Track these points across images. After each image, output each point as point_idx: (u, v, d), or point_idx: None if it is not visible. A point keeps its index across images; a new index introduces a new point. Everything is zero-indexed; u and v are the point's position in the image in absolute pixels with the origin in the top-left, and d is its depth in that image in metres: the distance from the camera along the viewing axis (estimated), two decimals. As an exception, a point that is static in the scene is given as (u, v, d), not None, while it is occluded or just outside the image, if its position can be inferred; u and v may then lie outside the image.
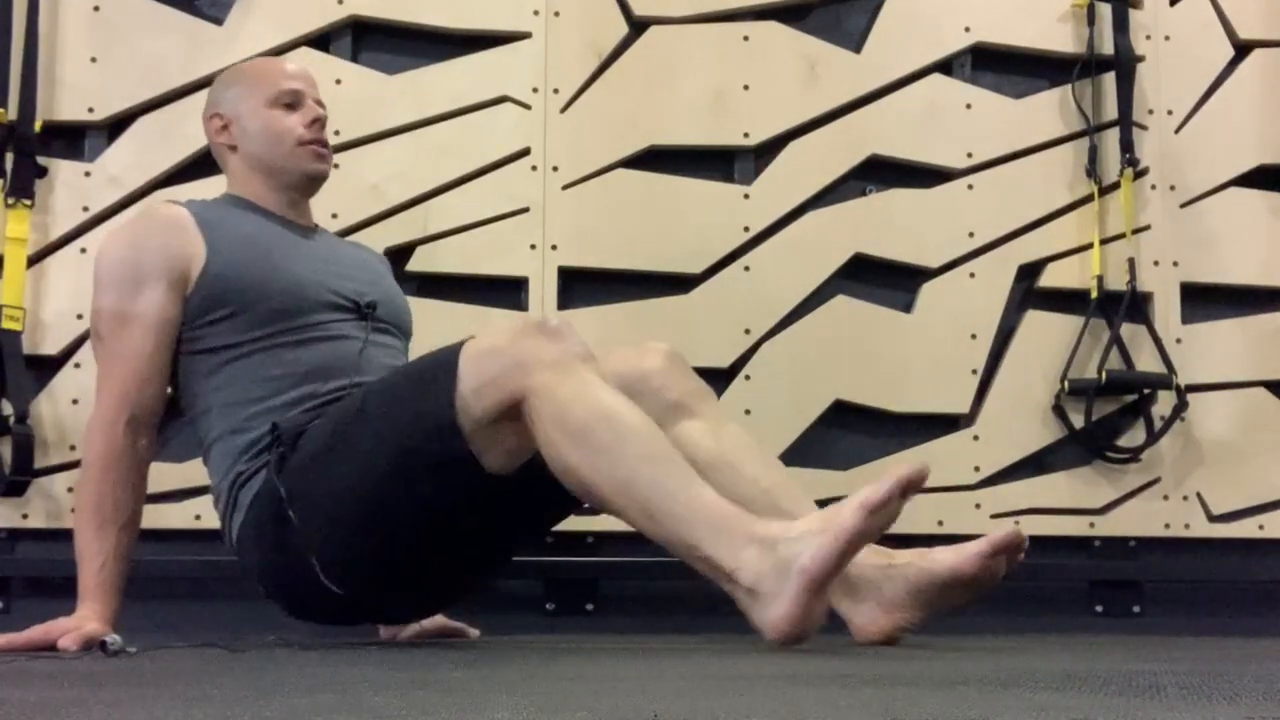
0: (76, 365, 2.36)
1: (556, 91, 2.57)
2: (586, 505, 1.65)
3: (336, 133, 2.47)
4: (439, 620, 2.04)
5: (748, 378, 2.52)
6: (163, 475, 2.35)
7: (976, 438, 2.60)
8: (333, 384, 1.79)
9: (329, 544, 1.63)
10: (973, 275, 2.66)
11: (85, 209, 2.40)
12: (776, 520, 1.46)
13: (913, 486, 1.40)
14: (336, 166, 2.46)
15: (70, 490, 2.32)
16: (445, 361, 1.60)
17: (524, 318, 1.61)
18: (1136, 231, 2.71)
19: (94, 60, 2.44)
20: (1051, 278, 2.69)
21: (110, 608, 1.70)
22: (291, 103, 1.95)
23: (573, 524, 2.02)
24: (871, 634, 1.63)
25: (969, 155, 2.69)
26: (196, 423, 1.86)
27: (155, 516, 2.33)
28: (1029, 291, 2.70)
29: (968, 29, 2.73)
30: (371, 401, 1.67)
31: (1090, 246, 2.68)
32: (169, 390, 1.84)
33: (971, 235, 2.67)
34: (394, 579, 1.72)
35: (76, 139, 2.44)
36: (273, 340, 1.79)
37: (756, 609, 1.41)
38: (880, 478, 1.40)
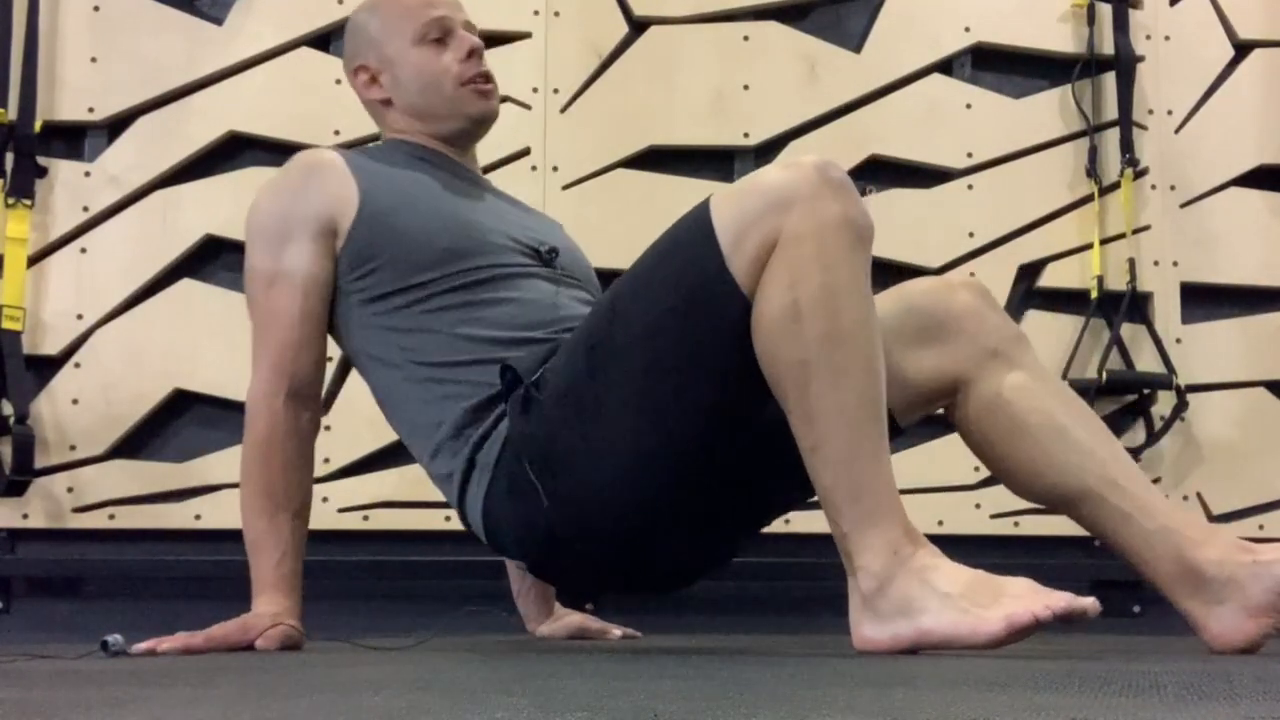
0: (76, 365, 2.36)
1: (556, 91, 2.57)
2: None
3: (336, 133, 2.48)
4: (578, 618, 1.95)
5: (748, 378, 2.52)
6: (163, 475, 2.35)
7: (976, 438, 2.60)
8: (539, 327, 1.57)
9: (608, 484, 1.42)
10: (973, 275, 2.65)
11: (85, 209, 2.40)
12: (928, 555, 1.30)
13: (1077, 620, 1.23)
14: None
15: (70, 490, 2.32)
16: (695, 221, 1.38)
17: (797, 158, 1.36)
18: (1136, 231, 2.71)
19: (94, 60, 2.44)
20: (1051, 278, 2.69)
21: (297, 603, 1.56)
22: (440, 36, 1.75)
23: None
24: (1234, 640, 1.40)
25: (969, 155, 2.69)
26: (379, 382, 1.64)
27: (155, 516, 2.33)
28: (1029, 291, 2.70)
29: (968, 29, 2.73)
30: (621, 301, 1.44)
31: (1090, 246, 2.68)
32: (325, 358, 1.66)
33: (971, 235, 2.67)
34: (682, 506, 1.47)
35: (76, 139, 2.45)
36: (454, 280, 1.58)
37: (861, 616, 1.31)
38: (1050, 597, 1.24)
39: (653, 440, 1.41)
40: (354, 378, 2.03)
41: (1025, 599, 1.24)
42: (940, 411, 1.62)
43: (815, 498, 1.58)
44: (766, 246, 1.32)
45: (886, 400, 1.36)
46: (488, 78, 1.76)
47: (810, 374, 1.31)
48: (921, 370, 1.55)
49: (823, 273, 1.30)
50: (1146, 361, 2.66)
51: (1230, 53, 2.82)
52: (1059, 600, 1.22)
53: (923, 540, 1.32)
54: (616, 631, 1.98)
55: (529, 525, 1.49)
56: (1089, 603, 1.23)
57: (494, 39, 2.57)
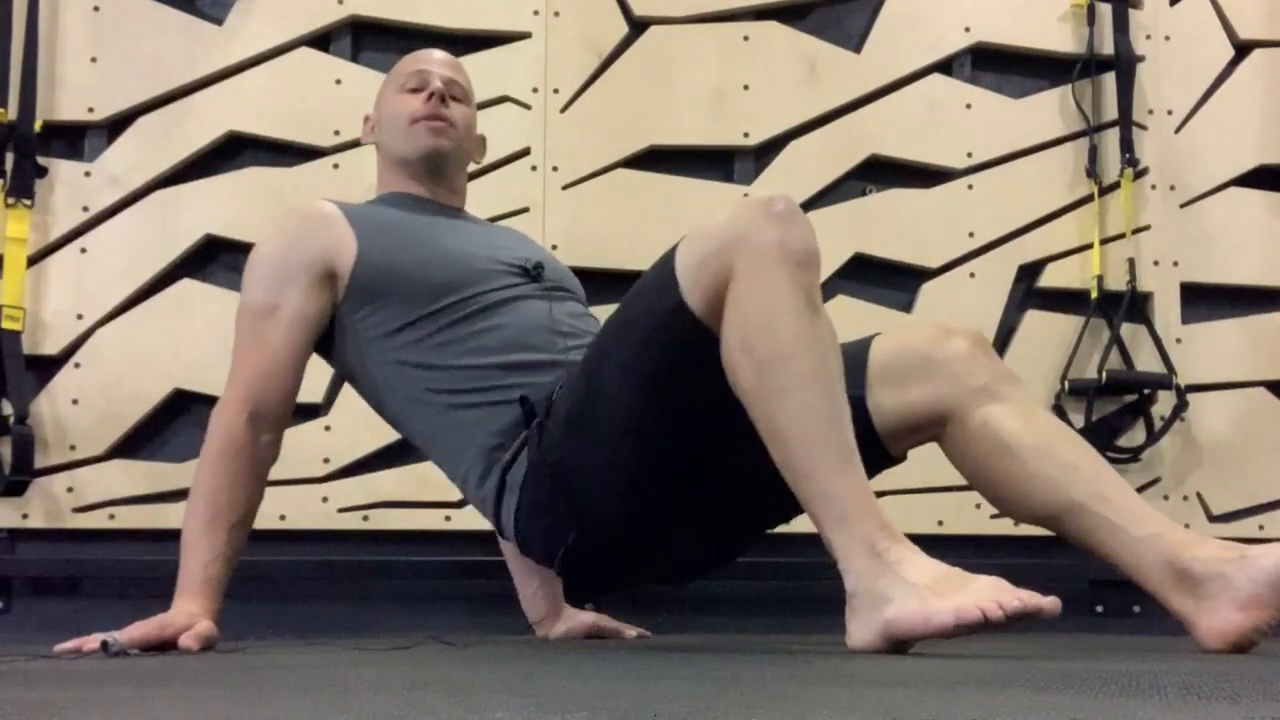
0: (76, 365, 2.36)
1: (556, 91, 2.57)
2: None
3: (336, 133, 2.48)
4: (591, 618, 1.99)
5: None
6: (163, 475, 2.35)
7: (976, 438, 2.60)
8: (539, 348, 1.72)
9: (613, 494, 1.57)
10: (973, 275, 2.66)
11: (85, 209, 2.40)
12: (902, 549, 1.35)
13: (1039, 618, 1.27)
14: (335, 167, 2.47)
15: (70, 490, 2.32)
16: (663, 260, 1.51)
17: (752, 196, 1.47)
18: (1136, 231, 2.71)
19: (94, 60, 2.44)
20: (1051, 278, 2.69)
21: (216, 607, 1.62)
22: (418, 86, 1.90)
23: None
24: (1226, 634, 1.42)
25: (969, 155, 2.69)
26: (403, 419, 1.79)
27: (155, 516, 2.33)
28: (1029, 291, 2.70)
29: (968, 29, 2.73)
30: (608, 333, 1.60)
31: (1090, 246, 2.68)
32: (296, 392, 1.77)
33: (971, 235, 2.67)
34: (679, 509, 1.62)
35: (76, 139, 2.45)
36: (451, 314, 1.72)
37: (849, 615, 1.37)
38: (1007, 595, 1.27)
39: (643, 456, 1.55)
40: (354, 378, 2.03)
41: (984, 594, 1.27)
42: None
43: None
44: (719, 282, 1.43)
45: (878, 430, 1.51)
46: (440, 117, 1.88)
47: (763, 396, 1.41)
48: (911, 404, 1.64)
49: (763, 300, 1.40)
50: (1146, 361, 2.65)
51: (1230, 53, 2.82)
52: (1012, 600, 1.25)
53: (899, 536, 1.37)
54: (631, 631, 2.01)
55: (555, 539, 1.64)
56: (1047, 602, 1.26)
57: (494, 39, 2.58)
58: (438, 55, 1.98)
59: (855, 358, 1.58)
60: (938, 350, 1.63)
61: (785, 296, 1.40)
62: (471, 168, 2.54)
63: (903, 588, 1.31)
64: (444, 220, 1.86)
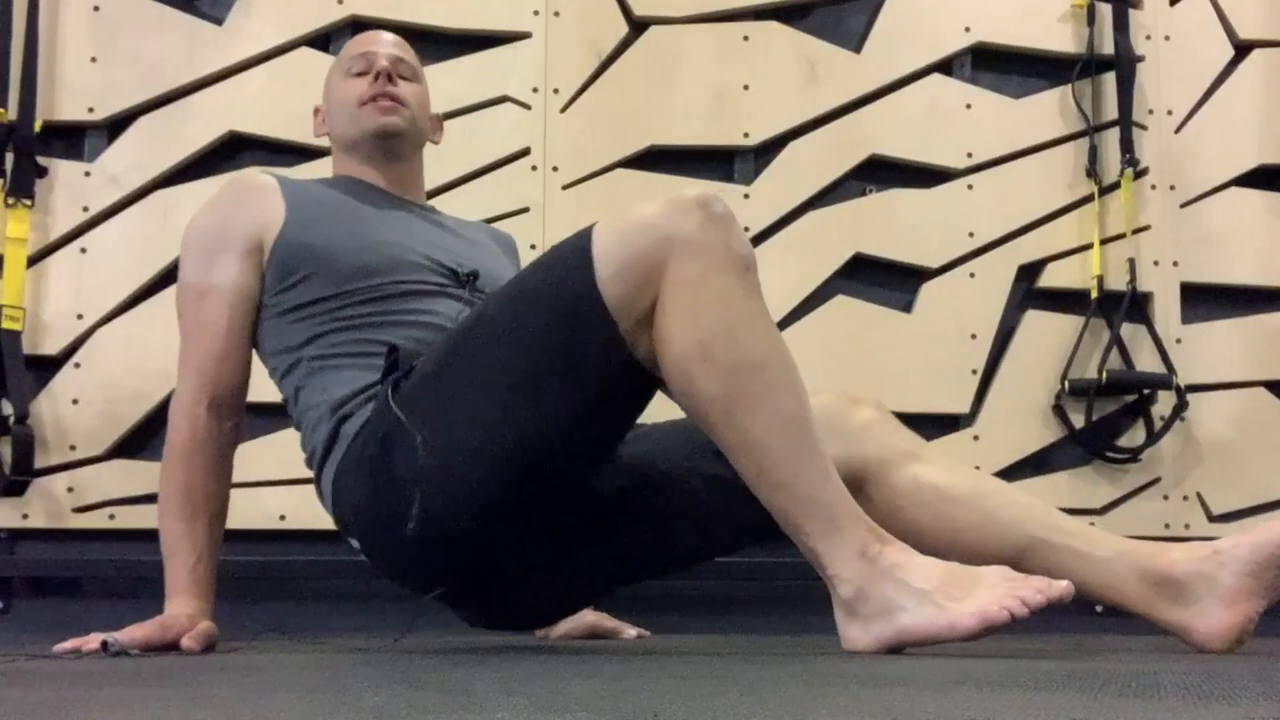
0: (76, 365, 2.36)
1: (556, 91, 2.57)
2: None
3: (336, 133, 2.47)
4: (591, 617, 1.97)
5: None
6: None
7: (977, 438, 2.60)
8: (434, 339, 1.59)
9: (453, 472, 1.41)
10: (973, 275, 2.66)
11: (85, 209, 2.40)
12: (895, 552, 1.32)
13: (1060, 604, 1.25)
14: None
15: (70, 490, 2.32)
16: (575, 243, 1.39)
17: (681, 191, 1.37)
18: (1136, 231, 2.71)
19: (94, 60, 2.44)
20: (1051, 278, 2.69)
21: (210, 605, 1.59)
22: (363, 69, 1.82)
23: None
24: (1221, 633, 1.41)
25: (969, 155, 2.69)
26: (283, 383, 1.69)
27: (155, 516, 2.32)
28: (1029, 291, 2.70)
29: (968, 29, 2.73)
30: (492, 305, 1.46)
31: (1090, 246, 2.68)
32: (249, 371, 1.71)
33: (971, 235, 2.67)
34: (530, 520, 1.49)
35: (76, 139, 2.45)
36: (360, 295, 1.63)
37: (845, 620, 1.34)
38: (1024, 589, 1.25)
39: (495, 438, 1.40)
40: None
41: (1000, 590, 1.26)
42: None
43: (684, 569, 1.66)
44: (648, 279, 1.34)
45: None
46: (389, 95, 1.79)
47: (731, 406, 1.33)
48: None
49: (721, 308, 1.33)
50: (1146, 361, 2.66)
51: (1230, 53, 2.82)
52: (1033, 596, 1.24)
53: (888, 538, 1.34)
54: (631, 631, 2.01)
55: (368, 498, 1.51)
56: (1062, 587, 1.25)
57: (494, 39, 2.58)
58: (385, 36, 1.90)
59: None
60: (847, 418, 1.59)
61: (742, 302, 1.34)
62: (471, 167, 2.54)
63: (913, 595, 1.28)
64: (386, 208, 1.76)
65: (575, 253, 1.38)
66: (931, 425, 2.59)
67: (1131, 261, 2.67)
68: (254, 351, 1.72)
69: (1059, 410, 2.63)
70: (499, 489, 1.42)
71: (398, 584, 1.62)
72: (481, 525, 1.46)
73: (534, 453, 1.41)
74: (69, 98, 2.42)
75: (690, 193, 1.37)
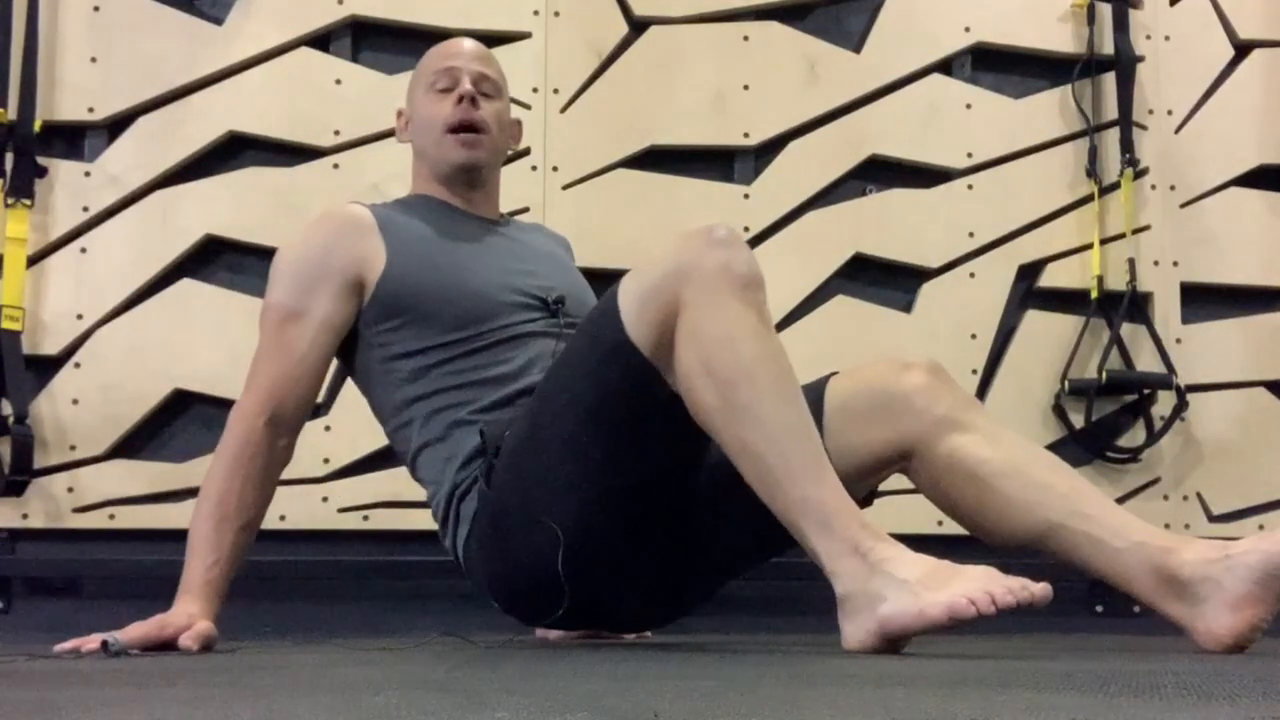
0: (76, 365, 2.36)
1: (556, 91, 2.57)
2: None
3: (336, 133, 2.48)
4: None
5: (748, 378, 2.52)
6: (163, 475, 2.35)
7: (976, 438, 2.60)
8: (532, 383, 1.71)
9: (552, 537, 1.53)
10: (973, 275, 2.66)
11: (85, 209, 2.40)
12: (887, 548, 1.36)
13: (1033, 608, 1.28)
14: (335, 167, 2.47)
15: (70, 490, 2.32)
16: (607, 297, 1.51)
17: (694, 228, 1.48)
18: (1136, 231, 2.71)
19: (94, 60, 2.44)
20: (1051, 278, 2.69)
21: (216, 608, 1.61)
22: (448, 86, 1.84)
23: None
24: (1222, 636, 1.42)
25: (969, 155, 2.69)
26: (396, 436, 1.80)
27: (155, 516, 2.33)
28: (1029, 291, 2.70)
29: (968, 29, 2.73)
30: (553, 372, 1.60)
31: (1090, 246, 2.68)
32: (316, 396, 1.78)
33: (971, 235, 2.67)
34: (625, 556, 1.60)
35: (76, 139, 2.45)
36: (464, 345, 1.73)
37: (843, 617, 1.38)
38: (999, 587, 1.28)
39: (582, 497, 1.53)
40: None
41: (976, 585, 1.28)
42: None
43: (775, 558, 1.72)
44: (666, 315, 1.44)
45: (839, 474, 1.44)
46: (471, 126, 1.83)
47: (729, 415, 1.41)
48: (872, 443, 1.63)
49: (716, 323, 1.42)
50: (1146, 361, 2.66)
51: (1230, 53, 2.82)
52: (1005, 595, 1.27)
53: (882, 535, 1.37)
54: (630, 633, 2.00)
55: (496, 575, 1.67)
56: (1039, 589, 1.28)
57: (494, 39, 2.57)
58: (467, 47, 1.91)
59: (811, 401, 1.51)
60: (895, 385, 1.63)
61: (740, 316, 1.42)
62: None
63: (894, 585, 1.31)
64: (475, 234, 1.84)
65: (607, 307, 1.50)
66: (931, 425, 2.59)
67: (1131, 261, 2.67)
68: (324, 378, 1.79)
69: (1059, 410, 2.63)
70: (612, 533, 1.56)
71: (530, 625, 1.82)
72: (615, 571, 1.61)
73: (625, 491, 1.54)
74: (69, 98, 2.42)
75: (699, 227, 1.48)
